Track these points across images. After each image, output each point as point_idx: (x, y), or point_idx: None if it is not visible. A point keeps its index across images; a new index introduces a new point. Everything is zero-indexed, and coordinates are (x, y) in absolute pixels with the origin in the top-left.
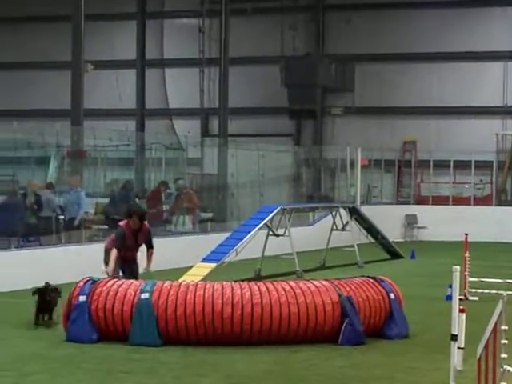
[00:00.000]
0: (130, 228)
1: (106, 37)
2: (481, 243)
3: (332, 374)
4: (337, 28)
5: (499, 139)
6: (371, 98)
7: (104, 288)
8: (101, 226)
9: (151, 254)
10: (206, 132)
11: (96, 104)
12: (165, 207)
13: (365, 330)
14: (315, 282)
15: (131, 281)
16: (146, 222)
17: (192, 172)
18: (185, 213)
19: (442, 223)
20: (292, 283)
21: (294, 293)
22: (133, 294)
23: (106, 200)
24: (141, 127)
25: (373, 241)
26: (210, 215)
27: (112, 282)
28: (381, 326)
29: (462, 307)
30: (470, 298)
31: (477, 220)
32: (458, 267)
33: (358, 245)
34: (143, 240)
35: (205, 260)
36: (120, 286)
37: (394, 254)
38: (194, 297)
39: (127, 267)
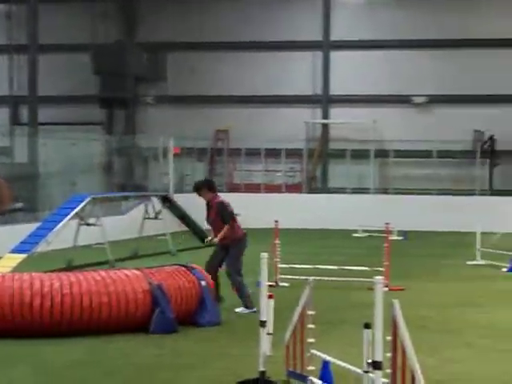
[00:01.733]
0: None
1: None
2: (292, 230)
3: (145, 363)
4: (149, 16)
5: (309, 127)
6: (184, 86)
7: None
8: None
9: (226, 229)
10: (15, 120)
11: None
12: None
13: (176, 318)
14: (126, 271)
15: None
16: (217, 197)
17: (0, 161)
18: None
19: (253, 210)
20: (102, 273)
21: (105, 282)
22: None
23: None
24: None
25: (186, 229)
26: (20, 205)
27: None
28: (192, 313)
29: (270, 293)
30: (281, 284)
31: (288, 207)
32: (265, 254)
33: (171, 233)
34: (214, 216)
35: (14, 251)
36: None
37: None
38: (2, 288)
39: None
